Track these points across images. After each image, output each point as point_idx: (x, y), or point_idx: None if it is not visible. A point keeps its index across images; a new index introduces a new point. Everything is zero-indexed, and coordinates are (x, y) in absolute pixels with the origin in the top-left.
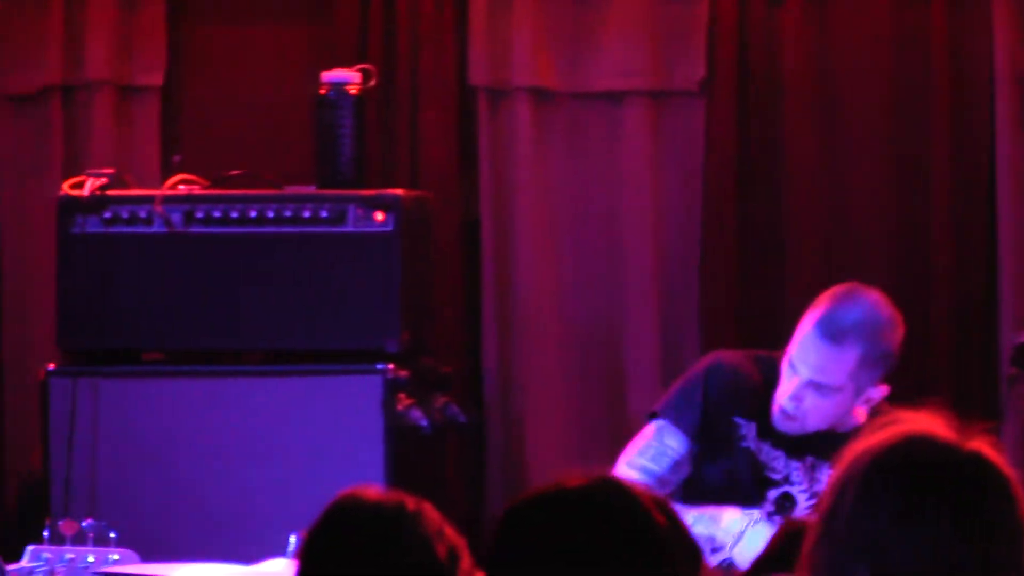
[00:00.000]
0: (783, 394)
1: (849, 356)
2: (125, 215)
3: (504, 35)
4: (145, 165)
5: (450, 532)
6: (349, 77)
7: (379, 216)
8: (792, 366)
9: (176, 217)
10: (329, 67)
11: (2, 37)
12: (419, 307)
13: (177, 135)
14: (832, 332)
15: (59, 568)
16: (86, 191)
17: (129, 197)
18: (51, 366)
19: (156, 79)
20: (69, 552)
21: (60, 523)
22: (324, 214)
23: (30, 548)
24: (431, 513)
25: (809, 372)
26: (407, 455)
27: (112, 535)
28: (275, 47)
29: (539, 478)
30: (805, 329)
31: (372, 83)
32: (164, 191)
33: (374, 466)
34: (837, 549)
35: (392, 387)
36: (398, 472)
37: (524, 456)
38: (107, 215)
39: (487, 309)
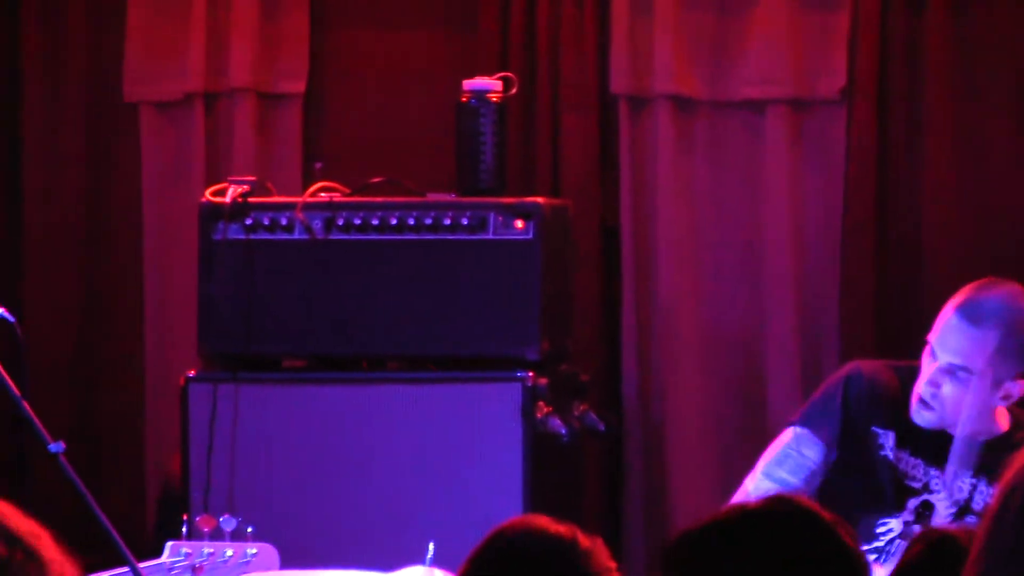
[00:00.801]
0: (921, 380)
1: (989, 338)
2: (266, 222)
3: (645, 43)
4: (286, 172)
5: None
6: (490, 85)
7: (519, 224)
8: (932, 353)
9: (317, 224)
10: (471, 75)
11: (147, 45)
12: (559, 314)
13: (318, 142)
14: (972, 314)
15: (199, 563)
16: (228, 198)
17: (270, 204)
18: (192, 372)
19: (298, 86)
20: (208, 547)
21: (198, 519)
22: (464, 221)
23: (170, 544)
24: (602, 550)
25: (948, 355)
26: (546, 463)
27: (249, 530)
28: (417, 55)
29: (678, 487)
30: (946, 315)
31: (513, 91)
32: (305, 198)
33: (512, 474)
34: (1003, 559)
35: (531, 395)
36: (536, 480)
37: (663, 464)
38: (248, 222)
39: (626, 316)
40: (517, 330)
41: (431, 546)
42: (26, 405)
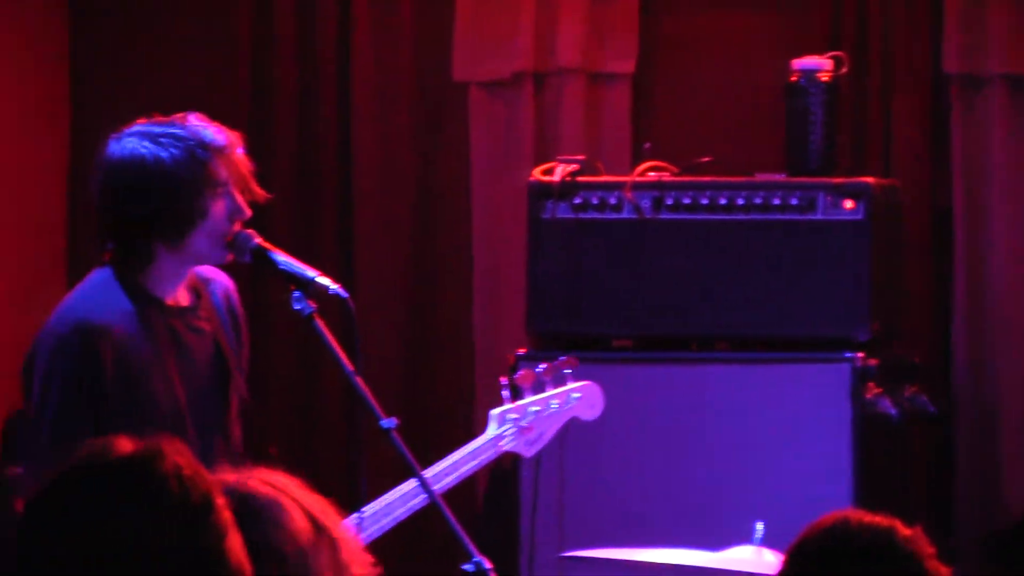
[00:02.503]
0: None
1: None
2: (595, 201)
3: (979, 21)
4: (615, 152)
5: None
6: (820, 64)
7: (849, 204)
8: None
9: (645, 204)
10: (800, 54)
11: (475, 24)
12: (889, 296)
13: (647, 122)
14: None
15: (527, 423)
16: (557, 177)
17: (599, 184)
18: (521, 350)
19: (627, 66)
20: (533, 404)
21: (516, 376)
22: (794, 202)
23: (494, 414)
24: (921, 537)
25: None
26: (874, 445)
27: (567, 371)
28: (746, 35)
29: (1012, 475)
30: None
31: (843, 70)
32: (634, 178)
33: (840, 455)
34: None
35: (861, 376)
36: (864, 462)
37: (996, 451)
38: (577, 201)
39: (958, 299)
40: (846, 311)
41: (760, 526)
42: (359, 381)
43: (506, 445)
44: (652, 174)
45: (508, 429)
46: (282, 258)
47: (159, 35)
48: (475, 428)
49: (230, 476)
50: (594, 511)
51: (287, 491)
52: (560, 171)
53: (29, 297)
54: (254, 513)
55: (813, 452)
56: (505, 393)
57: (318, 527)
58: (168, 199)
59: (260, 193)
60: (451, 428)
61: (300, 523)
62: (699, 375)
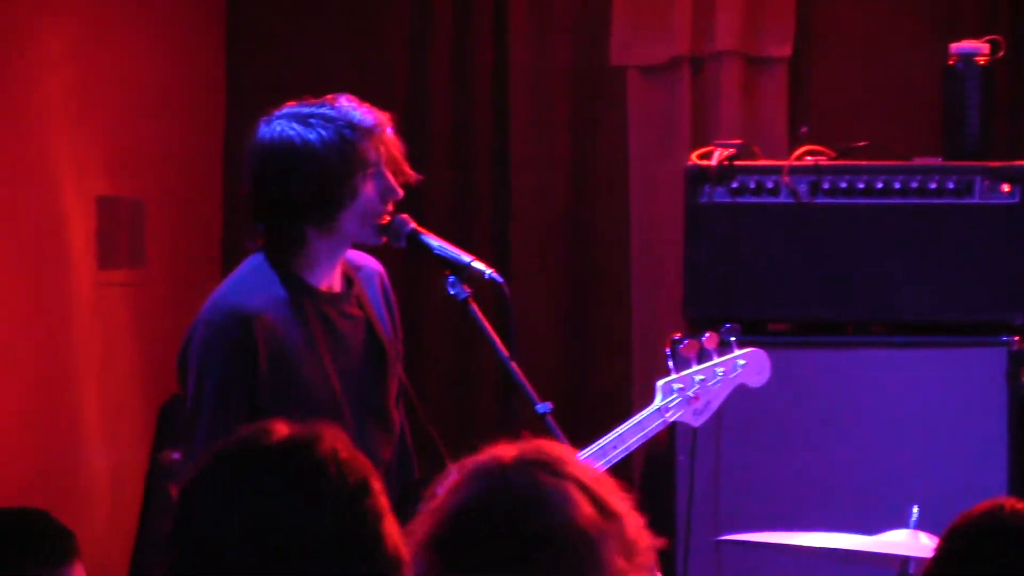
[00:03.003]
0: None
1: None
2: (752, 185)
3: None
4: (772, 136)
5: None
6: (977, 48)
7: (1006, 188)
8: None
9: (802, 188)
10: (956, 38)
11: (633, 9)
12: None
13: (804, 106)
14: None
15: (694, 392)
16: (714, 161)
17: (756, 168)
18: (677, 335)
19: (784, 50)
20: (698, 373)
21: (681, 347)
22: (950, 186)
23: (660, 384)
24: None
25: None
26: None
27: (731, 339)
28: (902, 18)
29: None
30: None
31: (1000, 54)
32: (791, 162)
33: (996, 439)
34: None
35: (1017, 360)
36: (1021, 446)
37: None
38: (734, 185)
39: None
40: (1002, 295)
41: (915, 509)
42: (514, 366)
43: (673, 416)
44: (809, 158)
45: (674, 400)
46: (437, 243)
47: (315, 22)
48: (634, 411)
49: (507, 454)
50: (750, 495)
51: (570, 472)
52: (717, 155)
53: (186, 285)
54: (537, 504)
55: (969, 436)
56: (670, 364)
57: (605, 511)
58: (317, 181)
59: (412, 174)
60: (608, 413)
61: (586, 510)
62: (855, 359)
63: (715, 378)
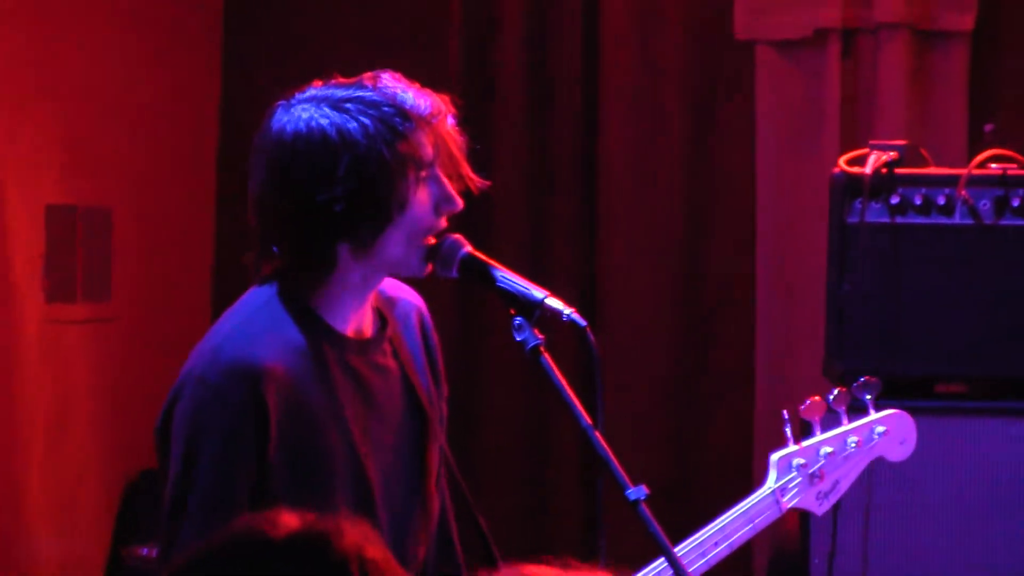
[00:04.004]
0: None
1: None
2: (918, 201)
3: None
4: (946, 135)
5: None
6: None
7: None
8: None
9: (984, 205)
10: None
11: None
12: None
13: (990, 96)
14: None
15: (818, 468)
16: (869, 168)
17: (924, 177)
18: (814, 398)
19: (965, 22)
20: (825, 445)
21: (802, 408)
22: None
23: (774, 458)
24: None
25: None
26: None
27: (868, 396)
28: None
29: None
30: None
31: None
32: (971, 170)
33: None
34: None
35: None
36: None
37: None
38: (895, 200)
39: None
40: None
41: None
42: (599, 437)
43: (791, 501)
44: (994, 166)
45: (793, 479)
46: (500, 273)
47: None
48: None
49: None
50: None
51: None
52: (873, 160)
53: (165, 323)
54: None
55: None
56: (787, 431)
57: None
58: (361, 185)
59: (475, 179)
60: (725, 489)
61: None
62: None
63: (846, 449)
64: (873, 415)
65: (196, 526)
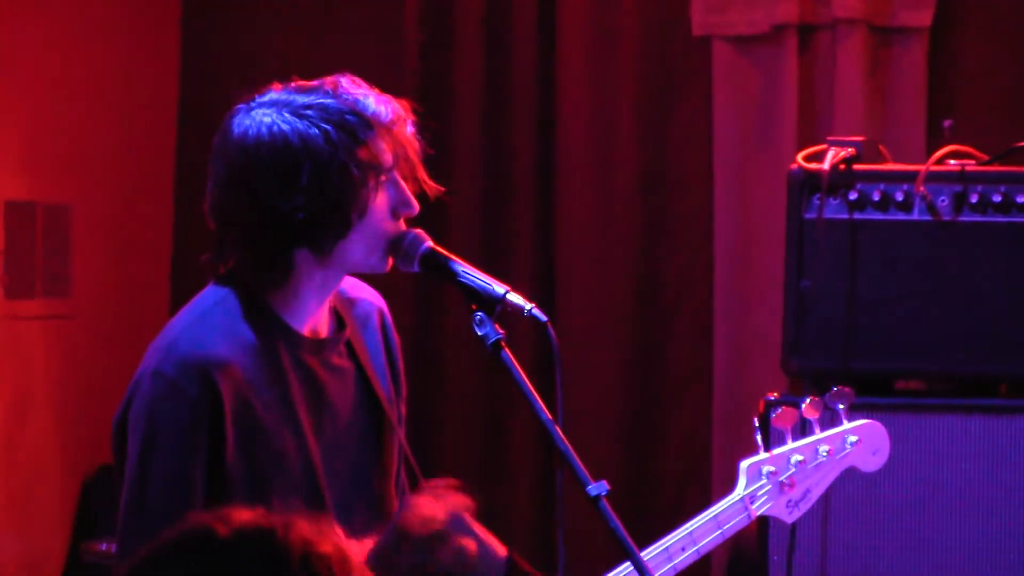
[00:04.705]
0: None
1: None
2: (876, 197)
3: None
4: (904, 131)
5: None
6: None
7: None
8: None
9: (943, 201)
10: None
11: None
12: None
13: (947, 91)
14: None
15: (787, 477)
16: (826, 164)
17: (882, 173)
18: (772, 394)
19: (923, 18)
20: (795, 453)
21: (772, 417)
22: None
23: (744, 465)
24: None
25: None
26: None
27: (840, 406)
28: None
29: None
30: None
31: None
32: (929, 166)
33: None
34: None
35: None
36: None
37: None
38: (853, 196)
39: None
40: None
41: None
42: (559, 432)
43: (760, 508)
44: (952, 162)
45: (763, 487)
46: (462, 268)
47: None
48: (712, 494)
49: None
50: None
51: None
52: (831, 156)
53: (124, 319)
54: None
55: None
56: (758, 438)
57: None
58: (321, 192)
59: (431, 184)
60: (679, 495)
61: None
62: (1011, 428)
63: (817, 459)
64: (846, 424)
65: (154, 519)
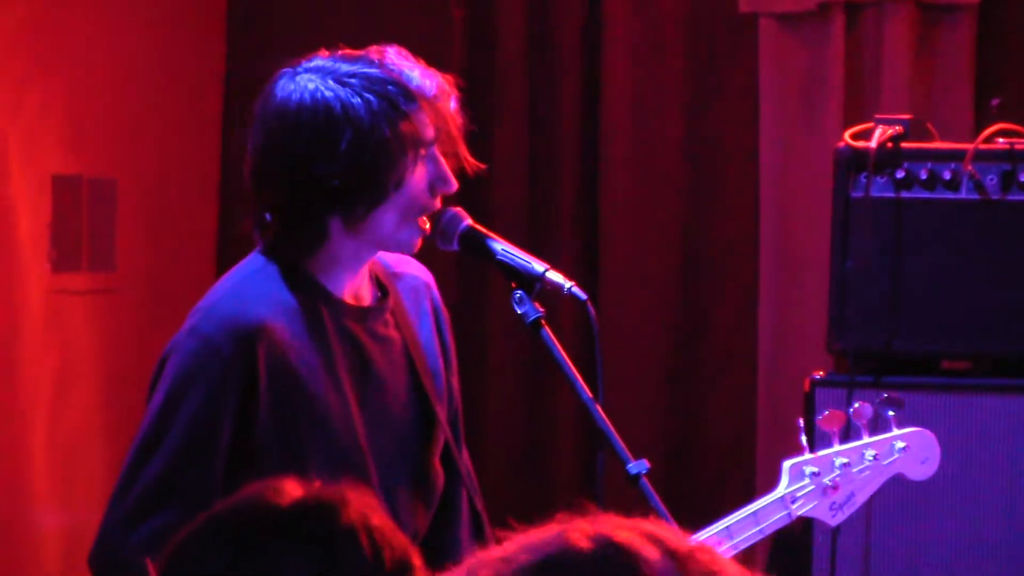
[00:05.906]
0: None
1: None
2: (923, 176)
3: None
4: (953, 110)
5: None
6: None
7: None
8: None
9: (991, 180)
10: None
11: None
12: None
13: (997, 70)
14: None
15: (833, 479)
16: (874, 142)
17: (929, 152)
18: (818, 373)
19: None
20: (840, 456)
21: (818, 419)
22: None
23: (787, 465)
24: None
25: None
26: None
27: (891, 413)
28: None
29: None
30: None
31: None
32: (977, 144)
33: None
34: None
35: None
36: None
37: None
38: (900, 175)
39: None
40: None
41: None
42: (600, 410)
43: (801, 508)
44: (1001, 140)
45: (806, 488)
46: (501, 246)
47: None
48: (757, 474)
49: (577, 541)
50: (905, 570)
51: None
52: (878, 135)
53: (169, 294)
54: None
55: None
56: (802, 440)
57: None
58: (359, 162)
59: (472, 161)
60: (724, 476)
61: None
62: None
63: (862, 463)
64: (895, 431)
65: (165, 466)
